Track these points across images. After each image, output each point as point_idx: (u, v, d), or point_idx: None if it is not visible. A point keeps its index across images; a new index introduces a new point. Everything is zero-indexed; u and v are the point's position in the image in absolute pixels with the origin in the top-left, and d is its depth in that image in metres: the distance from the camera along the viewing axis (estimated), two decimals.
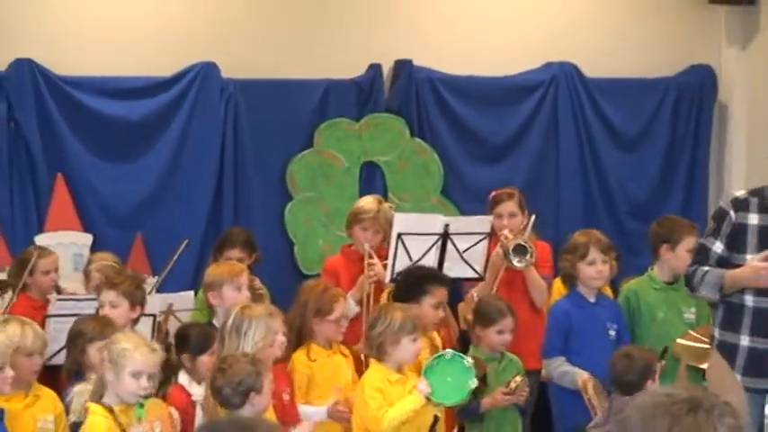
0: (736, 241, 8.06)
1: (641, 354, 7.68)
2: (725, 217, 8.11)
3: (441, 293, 8.80)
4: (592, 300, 9.28)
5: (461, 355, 8.18)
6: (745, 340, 7.95)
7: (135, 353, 6.95)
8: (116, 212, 11.93)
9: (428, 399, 7.79)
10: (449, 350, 8.29)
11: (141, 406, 6.99)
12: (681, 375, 8.85)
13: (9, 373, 7.15)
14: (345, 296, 9.02)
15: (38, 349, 7.67)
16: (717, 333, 8.19)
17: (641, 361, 7.55)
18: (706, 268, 8.08)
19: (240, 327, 7.80)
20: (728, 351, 8.00)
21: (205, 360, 7.84)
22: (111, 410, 6.73)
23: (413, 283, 9.11)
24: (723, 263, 8.04)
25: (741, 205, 8.10)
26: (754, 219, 8.03)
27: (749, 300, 7.95)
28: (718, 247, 8.08)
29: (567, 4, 13.80)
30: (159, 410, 7.18)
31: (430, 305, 8.77)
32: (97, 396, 6.88)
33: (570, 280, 9.38)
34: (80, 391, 7.40)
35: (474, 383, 8.00)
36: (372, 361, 8.12)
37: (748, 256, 8.00)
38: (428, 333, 8.85)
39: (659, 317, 9.32)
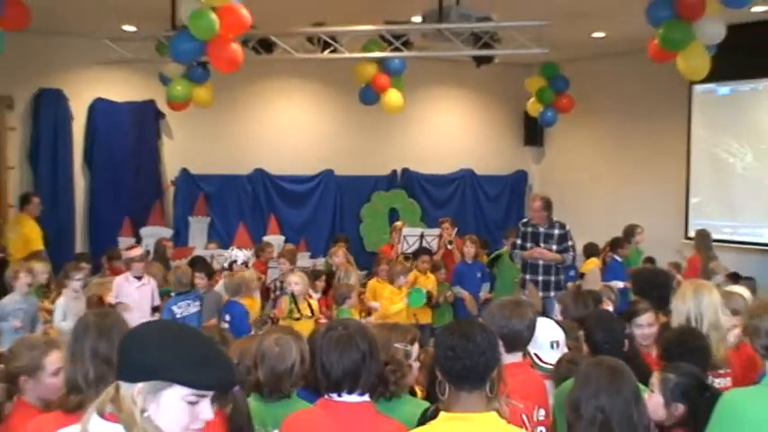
0: (524, 238, 9.27)
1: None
2: (520, 229, 9.43)
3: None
4: (470, 262, 10.61)
5: (419, 288, 9.44)
6: (528, 276, 9.20)
7: (296, 278, 8.11)
8: (294, 228, 13.85)
9: (407, 305, 9.16)
10: (416, 286, 9.49)
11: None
12: (530, 290, 9.21)
13: (257, 295, 8.50)
14: (394, 261, 10.32)
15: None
16: (522, 275, 9.38)
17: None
18: (517, 251, 9.33)
19: (347, 275, 9.15)
20: (530, 281, 9.16)
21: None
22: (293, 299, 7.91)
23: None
24: (521, 247, 9.26)
25: (525, 224, 9.39)
26: (529, 229, 9.25)
27: (530, 259, 9.14)
28: (519, 240, 9.33)
29: (469, 142, 15.51)
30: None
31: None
32: (290, 295, 7.98)
33: (462, 256, 10.68)
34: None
35: (424, 297, 9.40)
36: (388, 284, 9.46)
37: (528, 244, 9.22)
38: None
39: (512, 267, 10.12)
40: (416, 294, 9.31)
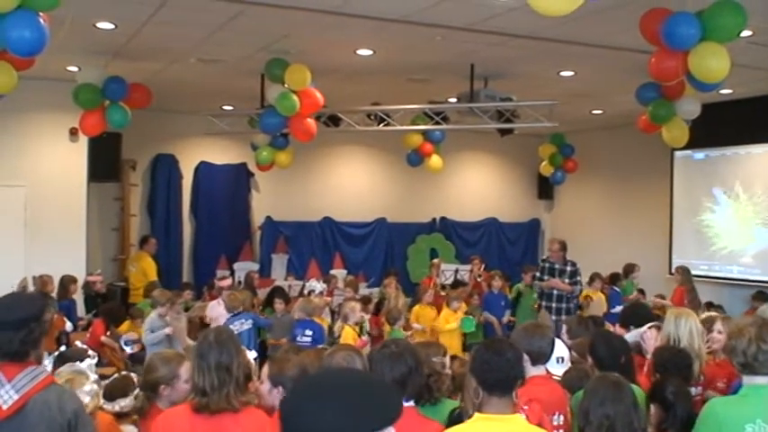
0: (542, 272, 9.20)
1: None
2: (540, 264, 9.52)
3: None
4: (496, 293, 10.47)
5: (471, 317, 9.25)
6: (544, 303, 9.14)
7: (357, 307, 7.83)
8: (354, 264, 13.34)
9: (460, 327, 9.05)
10: (467, 316, 9.23)
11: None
12: (542, 315, 9.15)
13: (326, 316, 8.35)
14: (433, 289, 10.00)
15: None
16: (539, 301, 9.30)
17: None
18: (537, 282, 9.24)
19: (388, 298, 9.36)
20: (545, 307, 9.13)
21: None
22: (353, 328, 7.61)
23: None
24: (540, 279, 9.16)
25: (544, 261, 9.42)
26: (547, 264, 9.20)
27: (546, 289, 9.05)
28: (538, 273, 9.27)
29: (493, 196, 15.08)
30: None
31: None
32: (344, 322, 7.68)
33: (489, 287, 10.52)
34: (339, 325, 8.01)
35: (473, 325, 9.24)
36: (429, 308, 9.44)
37: (545, 276, 9.12)
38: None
39: (530, 297, 10.09)
40: (468, 321, 9.20)
